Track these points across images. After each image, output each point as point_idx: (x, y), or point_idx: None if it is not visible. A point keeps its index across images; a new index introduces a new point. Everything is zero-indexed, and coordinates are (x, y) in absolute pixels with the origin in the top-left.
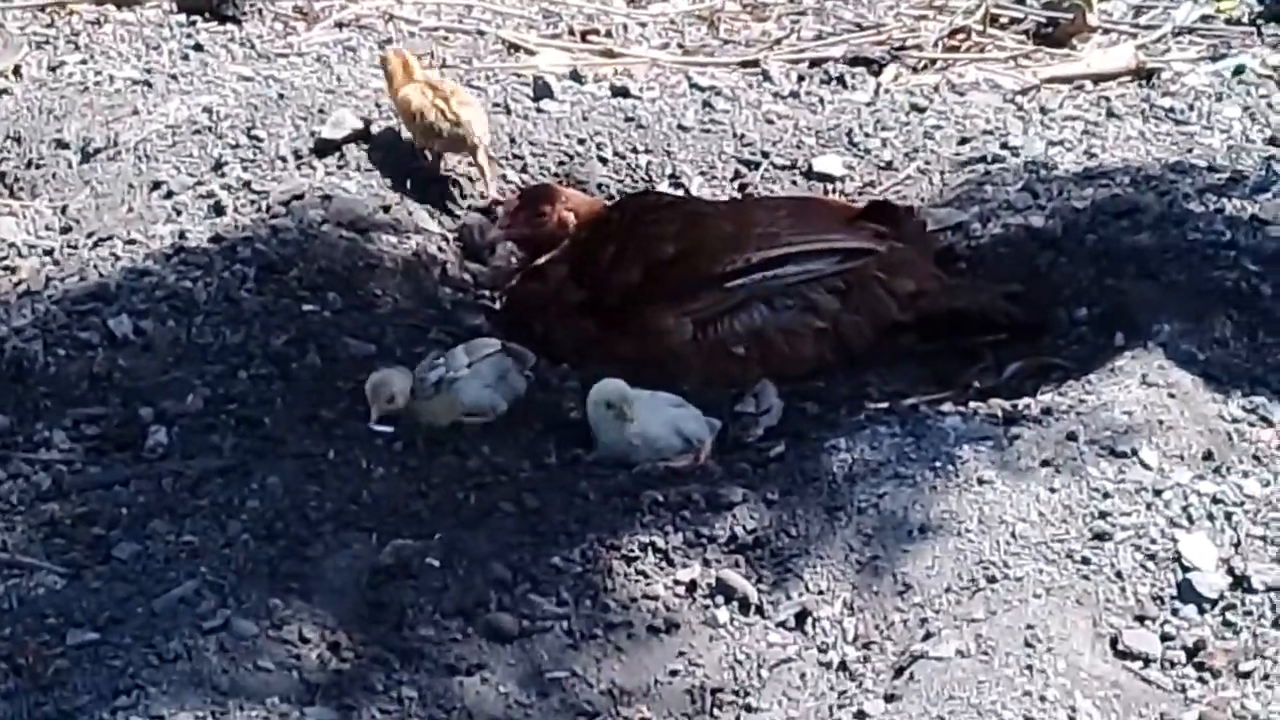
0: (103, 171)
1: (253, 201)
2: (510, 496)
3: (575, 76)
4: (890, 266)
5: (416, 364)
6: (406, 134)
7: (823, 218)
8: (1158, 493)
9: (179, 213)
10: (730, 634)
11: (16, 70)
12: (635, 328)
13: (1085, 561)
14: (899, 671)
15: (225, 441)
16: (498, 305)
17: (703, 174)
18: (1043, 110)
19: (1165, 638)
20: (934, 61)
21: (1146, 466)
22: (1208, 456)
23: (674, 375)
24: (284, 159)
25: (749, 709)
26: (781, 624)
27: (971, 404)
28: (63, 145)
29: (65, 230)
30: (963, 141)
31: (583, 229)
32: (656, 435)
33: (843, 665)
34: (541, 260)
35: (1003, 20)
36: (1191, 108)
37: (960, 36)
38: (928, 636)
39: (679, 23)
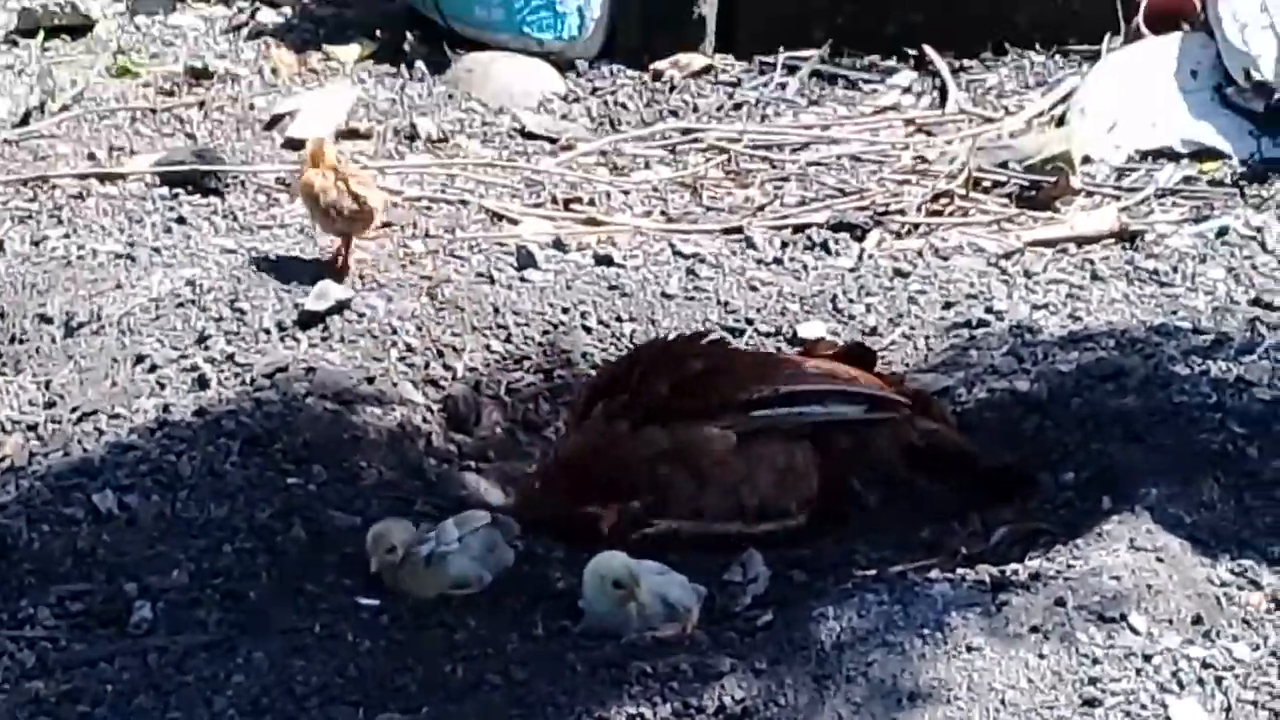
0: (86, 345)
1: (236, 374)
2: (497, 669)
3: (559, 245)
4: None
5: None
6: (390, 305)
7: (849, 371)
8: (1147, 658)
9: (163, 386)
10: None
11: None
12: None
13: None
14: None
15: (210, 616)
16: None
17: None
18: (1026, 274)
19: None
20: (917, 226)
21: (1136, 632)
22: (1197, 621)
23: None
24: (267, 331)
25: None
26: None
27: (959, 570)
28: (46, 320)
29: (49, 405)
30: (947, 306)
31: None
32: (644, 604)
33: None
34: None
35: (985, 184)
36: (1175, 269)
37: (943, 201)
38: None
39: (661, 190)
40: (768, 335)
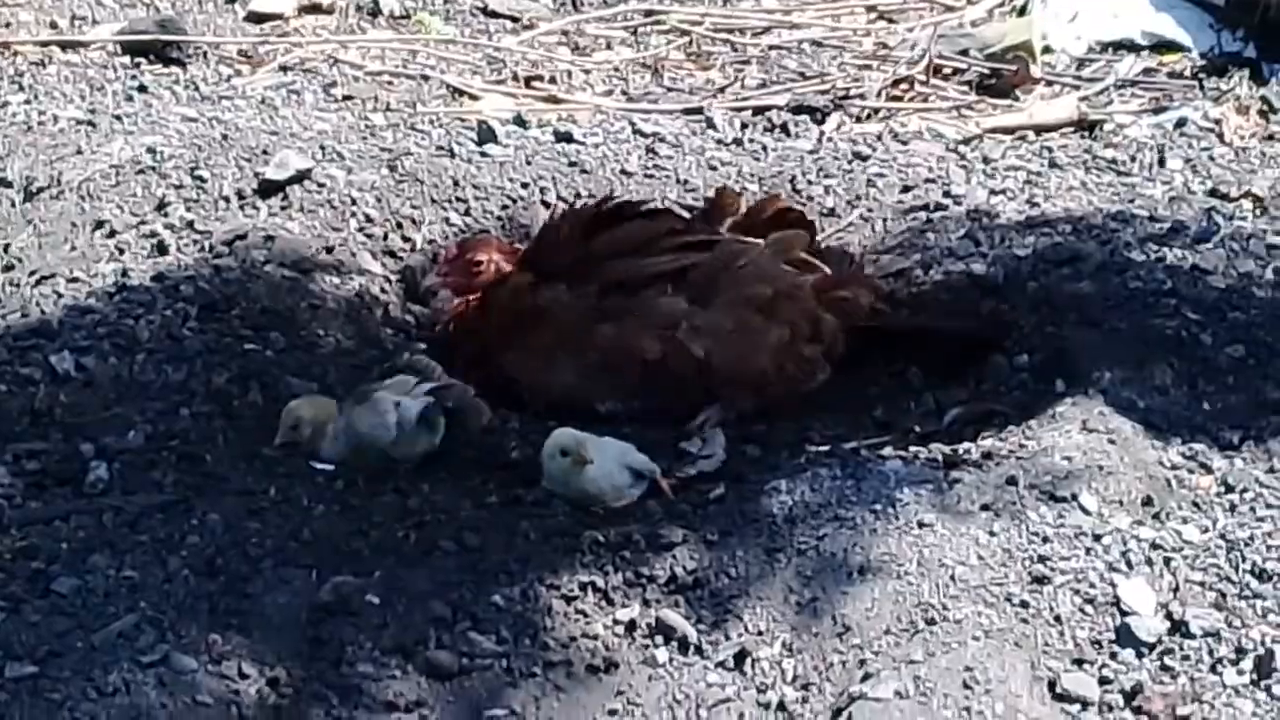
0: (46, 210)
1: (196, 241)
2: (451, 535)
3: (519, 121)
4: (850, 285)
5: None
6: (351, 176)
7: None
8: (1097, 538)
9: (122, 251)
10: (669, 674)
11: None
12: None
13: (1024, 605)
14: (837, 713)
15: (166, 478)
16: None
17: None
18: (985, 160)
19: (1103, 681)
20: (877, 111)
21: (1086, 512)
22: (1147, 502)
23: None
24: (227, 199)
25: None
26: (720, 664)
27: (912, 448)
28: (6, 184)
29: (8, 269)
30: (905, 189)
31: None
32: (611, 473)
33: (781, 706)
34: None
35: (946, 71)
36: (1133, 159)
37: (903, 86)
38: (866, 678)
39: (623, 70)
40: None
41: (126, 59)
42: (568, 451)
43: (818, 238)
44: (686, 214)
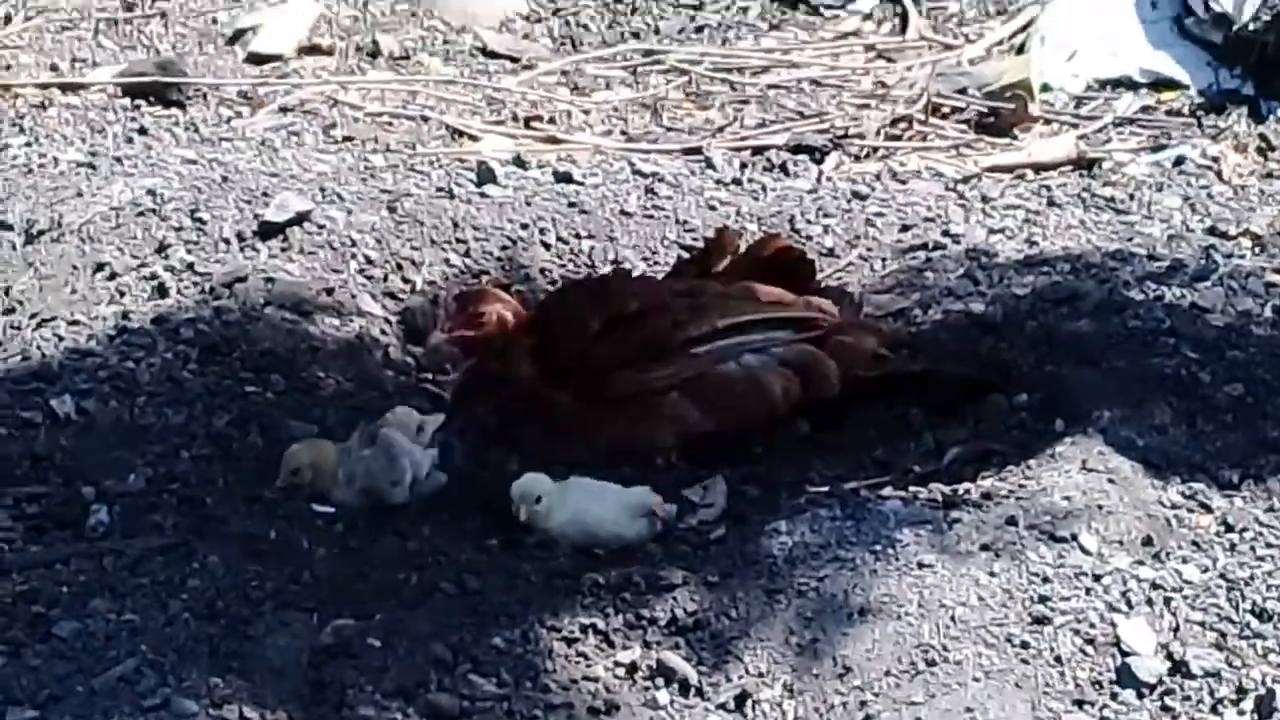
0: (46, 253)
1: (196, 283)
2: (451, 578)
3: (519, 162)
4: (853, 329)
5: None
6: (351, 218)
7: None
8: (1097, 578)
9: (122, 294)
10: (670, 716)
11: None
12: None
13: (1025, 646)
14: None
15: (167, 521)
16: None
17: (645, 259)
18: (984, 198)
19: None
20: (876, 150)
21: (1086, 552)
22: (1147, 542)
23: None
24: (227, 241)
25: None
26: (721, 706)
27: (912, 488)
28: (6, 227)
29: (8, 311)
30: (904, 229)
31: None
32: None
33: None
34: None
35: (944, 110)
36: (1132, 197)
37: (902, 125)
38: (867, 719)
39: (622, 110)
40: None
41: (127, 101)
42: (513, 500)
43: (817, 277)
44: (686, 255)
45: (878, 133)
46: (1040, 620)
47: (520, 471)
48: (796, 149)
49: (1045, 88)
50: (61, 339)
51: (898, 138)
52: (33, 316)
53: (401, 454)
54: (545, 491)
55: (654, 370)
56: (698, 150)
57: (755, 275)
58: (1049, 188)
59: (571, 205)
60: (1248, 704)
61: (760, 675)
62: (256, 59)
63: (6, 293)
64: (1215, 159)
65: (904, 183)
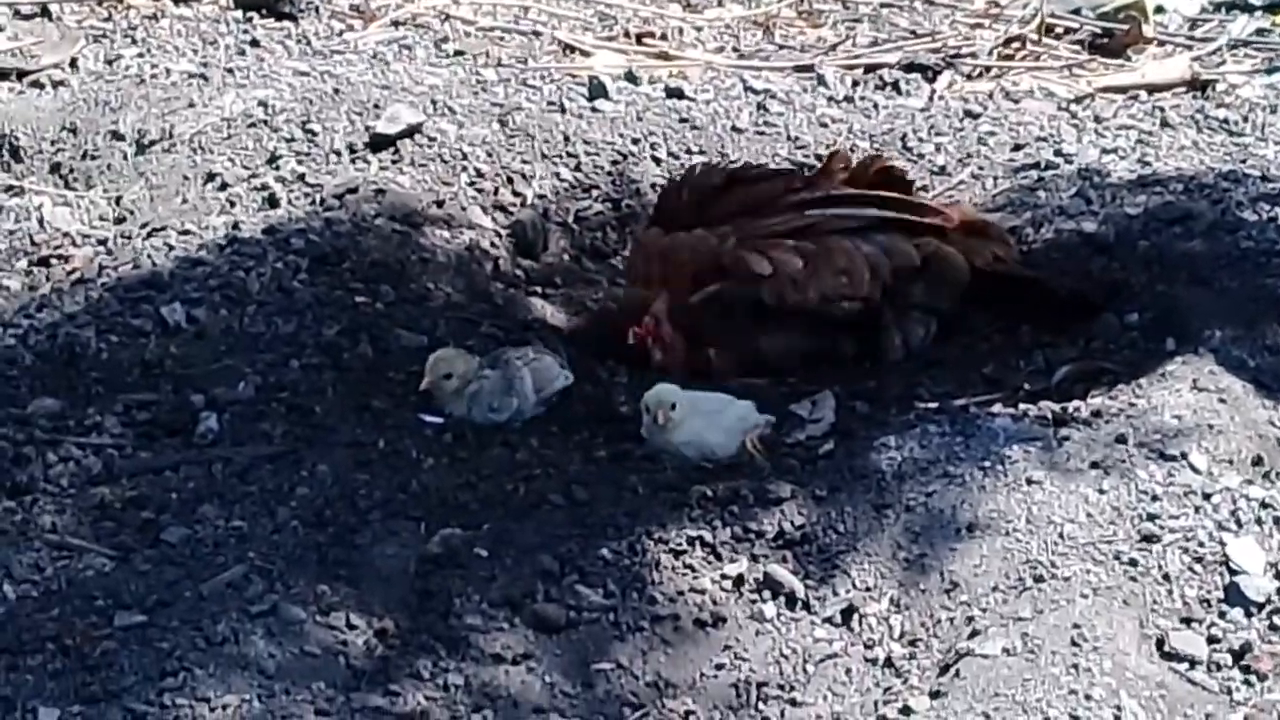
0: (158, 163)
1: (306, 194)
2: (559, 489)
3: (630, 78)
4: (973, 230)
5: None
6: (462, 131)
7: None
8: (1206, 496)
9: (233, 204)
10: (776, 629)
11: (73, 63)
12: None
13: (1133, 563)
14: (945, 669)
15: (276, 429)
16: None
17: None
18: (1097, 119)
19: (1212, 640)
20: (989, 69)
21: (1195, 470)
22: (1257, 462)
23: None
24: (338, 153)
25: (794, 703)
26: (828, 620)
27: (1021, 406)
28: (118, 137)
29: (119, 220)
30: (1016, 148)
31: None
32: (700, 436)
33: (888, 662)
34: None
35: (1058, 30)
36: (1245, 119)
37: (1015, 45)
38: (974, 634)
39: (734, 27)
40: None
41: (239, 13)
42: (649, 408)
43: (925, 196)
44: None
45: (991, 52)
46: (1149, 538)
47: (630, 382)
48: (909, 67)
49: (1159, 9)
50: (172, 248)
51: (1010, 57)
52: (143, 225)
53: (520, 383)
54: (679, 399)
55: (761, 220)
56: (810, 68)
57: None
58: (1162, 109)
59: (683, 121)
60: None
61: (867, 590)
62: None
63: (118, 202)
64: None
65: (1016, 102)
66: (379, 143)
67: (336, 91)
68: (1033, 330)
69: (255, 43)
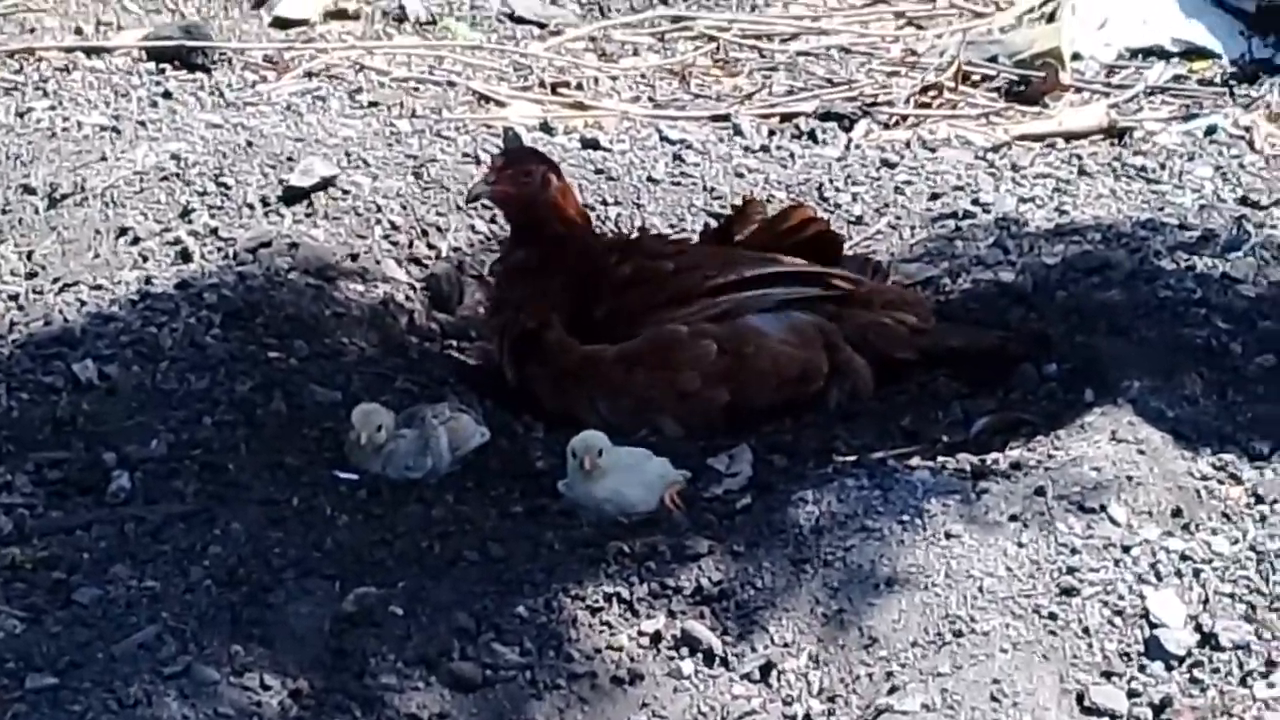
0: (69, 217)
1: (219, 248)
2: (475, 546)
3: (545, 128)
4: (888, 301)
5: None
6: (376, 183)
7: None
8: (1126, 549)
9: (145, 259)
10: (695, 686)
11: None
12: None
13: (1052, 617)
14: None
15: (188, 487)
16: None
17: (672, 226)
18: (1014, 167)
19: (1132, 694)
20: (905, 118)
21: (1115, 523)
22: (1177, 513)
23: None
24: (251, 206)
25: None
26: (746, 676)
27: (940, 458)
28: (30, 191)
29: (31, 275)
30: (934, 197)
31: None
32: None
33: (807, 718)
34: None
35: (975, 78)
36: (1163, 167)
37: (932, 93)
38: (893, 690)
39: (650, 77)
40: None
41: (151, 65)
42: (575, 453)
43: (843, 248)
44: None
45: (907, 100)
46: (1068, 591)
47: (546, 438)
48: (825, 116)
49: (1076, 56)
50: (84, 303)
51: (927, 105)
52: (55, 281)
53: (436, 442)
54: (605, 447)
55: (677, 311)
56: (726, 117)
57: (780, 246)
58: (1080, 156)
59: (598, 172)
60: (1277, 676)
61: (785, 645)
62: (282, 23)
63: (29, 257)
64: (1247, 128)
65: (933, 151)
66: (292, 195)
67: (250, 144)
68: (950, 381)
69: (168, 94)
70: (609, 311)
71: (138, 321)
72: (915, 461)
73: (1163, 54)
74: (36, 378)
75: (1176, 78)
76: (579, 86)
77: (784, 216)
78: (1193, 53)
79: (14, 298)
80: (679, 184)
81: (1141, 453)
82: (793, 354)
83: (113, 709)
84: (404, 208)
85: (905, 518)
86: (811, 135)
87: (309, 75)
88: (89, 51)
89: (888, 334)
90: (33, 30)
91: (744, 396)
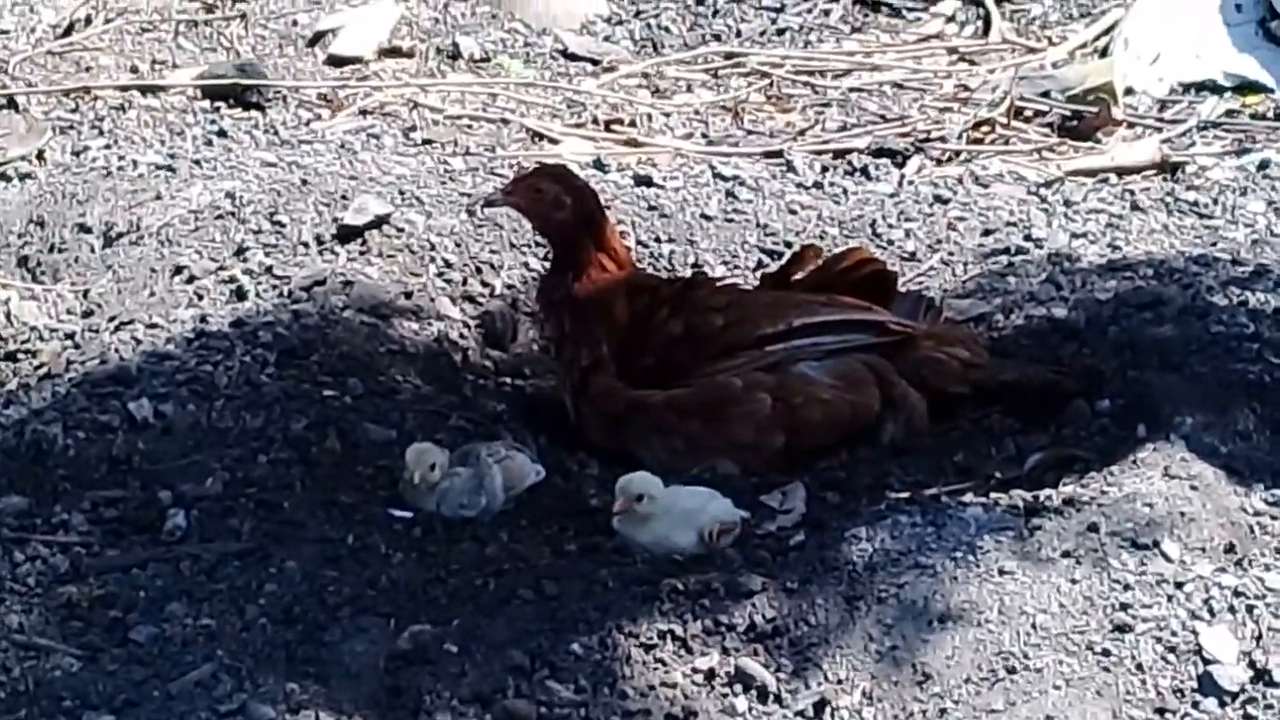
0: (125, 256)
1: (274, 286)
2: (529, 584)
3: (599, 165)
4: (940, 337)
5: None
6: (430, 221)
7: (861, 303)
8: (1179, 585)
9: (200, 297)
10: None
11: (40, 155)
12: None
13: (1106, 653)
14: None
15: (244, 525)
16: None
17: (725, 263)
18: (1066, 203)
19: None
20: (958, 153)
21: (1168, 559)
22: (1229, 549)
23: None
24: (306, 244)
25: None
26: (800, 713)
27: (993, 495)
28: (85, 229)
29: (87, 314)
30: (986, 233)
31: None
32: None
33: None
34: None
35: (1027, 113)
36: (1216, 201)
37: (985, 129)
38: None
39: (703, 113)
40: None
41: (206, 103)
42: (618, 496)
43: (898, 287)
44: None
45: (960, 136)
46: (1122, 628)
47: (600, 474)
48: (878, 152)
49: (1129, 91)
50: (139, 342)
51: (980, 141)
52: (111, 319)
53: (491, 481)
54: (651, 493)
55: (726, 363)
56: (779, 153)
57: (836, 286)
58: (1132, 192)
59: (651, 209)
60: None
61: (839, 682)
62: (336, 61)
63: (85, 295)
64: None
65: (986, 186)
66: (347, 234)
67: (304, 182)
68: (1003, 417)
69: (223, 133)
70: (657, 363)
71: (193, 360)
72: (968, 498)
73: (1215, 88)
74: (92, 416)
75: (1229, 112)
76: (632, 123)
77: (841, 257)
78: (1245, 87)
79: (70, 336)
80: (732, 220)
81: (1194, 489)
82: (842, 399)
83: None
84: (458, 245)
85: (958, 554)
86: (864, 171)
87: (363, 113)
88: (144, 90)
89: (941, 368)
90: (88, 69)
91: (798, 440)
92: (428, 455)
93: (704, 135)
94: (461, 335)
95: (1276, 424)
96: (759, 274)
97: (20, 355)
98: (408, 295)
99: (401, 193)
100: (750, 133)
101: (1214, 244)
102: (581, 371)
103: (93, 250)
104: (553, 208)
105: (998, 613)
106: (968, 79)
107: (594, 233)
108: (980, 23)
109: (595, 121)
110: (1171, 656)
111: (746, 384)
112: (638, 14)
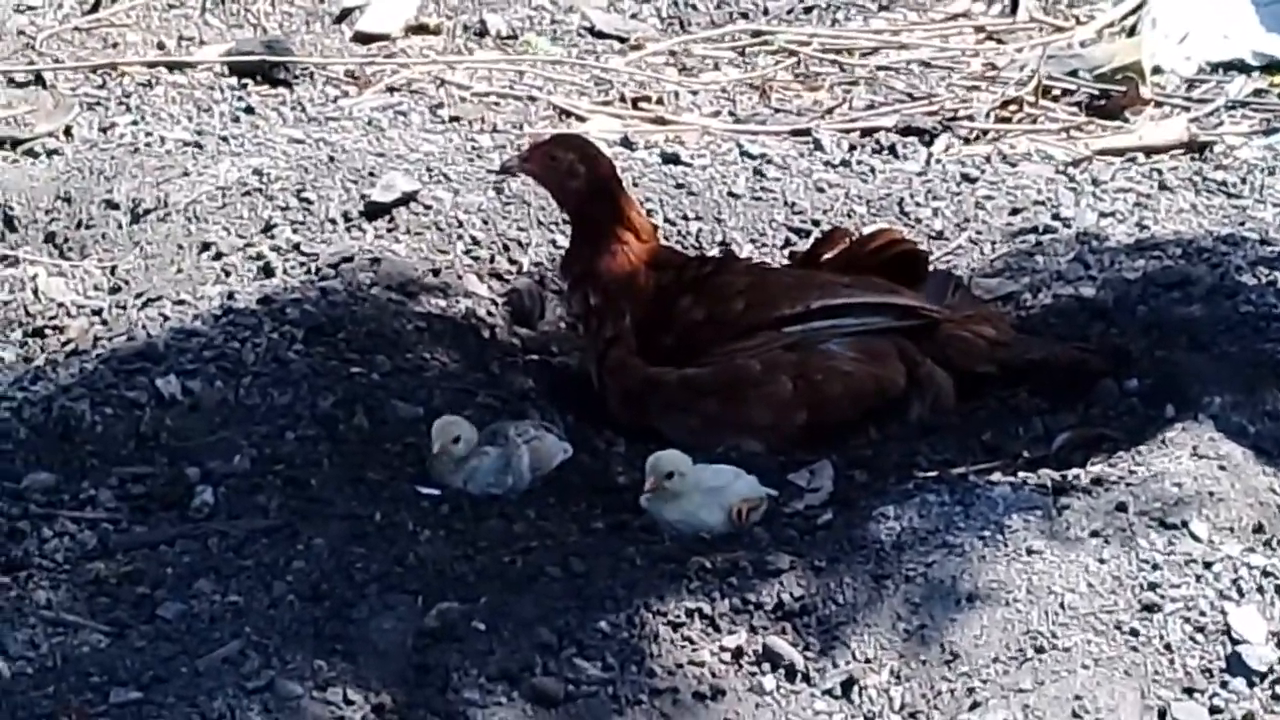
0: (152, 232)
1: (302, 263)
2: (556, 561)
3: (626, 143)
4: (968, 317)
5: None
6: (458, 198)
7: (885, 284)
8: (1208, 565)
9: (228, 274)
10: (776, 701)
11: (68, 131)
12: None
13: (1134, 633)
14: None
15: (271, 502)
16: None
17: (753, 241)
18: (1094, 182)
19: (1214, 710)
20: (986, 132)
21: (1196, 539)
22: (1258, 529)
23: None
24: (333, 221)
25: None
26: (828, 692)
27: (1021, 474)
28: (113, 206)
29: (114, 290)
30: (1014, 212)
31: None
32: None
33: None
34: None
35: (1055, 92)
36: (1244, 181)
37: (1012, 108)
38: (974, 706)
39: (730, 91)
40: None
41: (233, 80)
42: (647, 474)
43: (928, 268)
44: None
45: (987, 115)
46: (1150, 607)
47: (628, 452)
48: (906, 131)
49: (1156, 70)
50: (167, 319)
51: (1007, 120)
52: (138, 296)
53: (518, 461)
54: (681, 470)
55: (745, 343)
56: (806, 132)
57: (865, 266)
58: (1160, 171)
59: (679, 186)
60: None
61: (867, 661)
62: (363, 38)
63: (112, 272)
64: None
65: (1014, 165)
66: (374, 211)
67: (331, 159)
68: (1031, 396)
69: (250, 109)
70: (678, 344)
71: (220, 337)
72: (996, 477)
73: (1244, 68)
74: (120, 393)
75: (1257, 91)
76: (659, 101)
77: (872, 236)
78: (1274, 66)
79: (97, 312)
80: (760, 199)
81: (1223, 468)
82: (865, 370)
83: None
84: (485, 223)
85: (986, 533)
86: (892, 150)
87: (390, 90)
88: (172, 66)
89: (967, 347)
90: (116, 45)
91: (821, 417)
92: (452, 427)
93: (731, 113)
94: (489, 312)
95: None
96: (787, 253)
97: (48, 331)
98: (435, 272)
99: (429, 170)
100: (778, 111)
101: (1242, 223)
102: (604, 343)
103: (120, 227)
104: (567, 176)
105: (1026, 592)
106: (995, 57)
107: (610, 203)
108: (1008, 1)
109: (623, 99)
110: (1200, 636)
111: (765, 365)
112: None
